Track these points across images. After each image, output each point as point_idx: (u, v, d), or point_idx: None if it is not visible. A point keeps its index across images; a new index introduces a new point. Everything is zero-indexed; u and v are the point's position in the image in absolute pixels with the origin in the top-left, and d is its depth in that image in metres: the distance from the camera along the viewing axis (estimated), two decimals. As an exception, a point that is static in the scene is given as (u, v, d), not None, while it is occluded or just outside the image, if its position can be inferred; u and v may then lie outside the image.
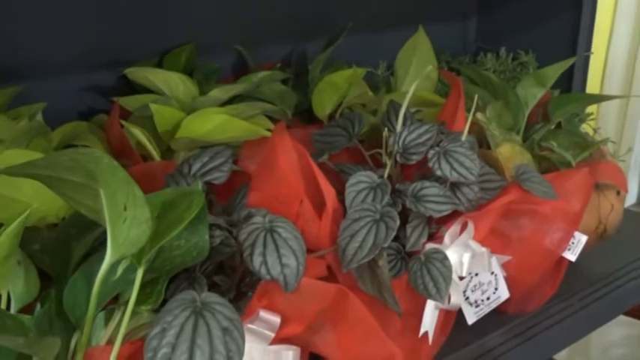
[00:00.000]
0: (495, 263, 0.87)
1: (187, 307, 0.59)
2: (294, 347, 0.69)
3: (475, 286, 0.86)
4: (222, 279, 0.72)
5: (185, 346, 0.57)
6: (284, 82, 1.15)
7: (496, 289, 0.88)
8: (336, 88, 1.04)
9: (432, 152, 0.81)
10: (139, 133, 0.87)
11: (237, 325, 0.60)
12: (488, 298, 0.88)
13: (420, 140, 0.82)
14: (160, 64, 1.08)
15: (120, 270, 0.60)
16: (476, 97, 0.84)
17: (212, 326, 0.59)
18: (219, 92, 0.98)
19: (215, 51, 1.17)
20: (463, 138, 0.81)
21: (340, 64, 1.19)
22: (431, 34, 1.19)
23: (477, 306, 0.88)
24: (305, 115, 1.12)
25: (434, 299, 0.75)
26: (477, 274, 0.86)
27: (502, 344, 0.97)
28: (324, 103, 1.03)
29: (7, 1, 0.93)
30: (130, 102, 0.98)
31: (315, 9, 1.30)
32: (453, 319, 0.89)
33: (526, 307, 1.01)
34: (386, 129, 0.85)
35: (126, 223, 0.56)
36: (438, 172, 0.79)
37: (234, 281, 0.72)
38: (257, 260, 0.66)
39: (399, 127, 0.82)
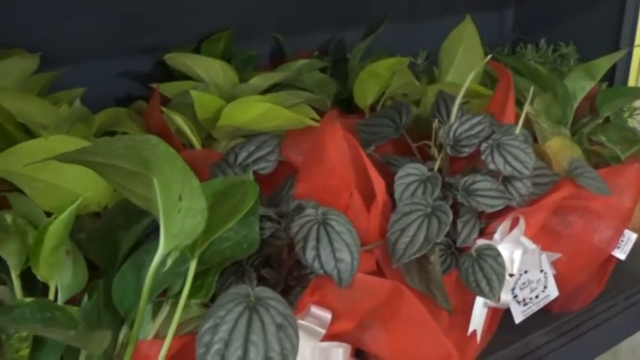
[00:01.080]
0: (545, 261, 0.84)
1: (241, 302, 0.57)
2: (345, 345, 0.67)
3: (524, 283, 0.84)
4: (269, 272, 0.69)
5: (239, 342, 0.55)
6: (322, 70, 1.12)
7: (545, 287, 0.86)
8: (378, 78, 1.01)
9: (484, 145, 0.78)
10: (179, 120, 0.84)
11: (291, 321, 0.58)
12: (536, 297, 0.86)
13: (472, 132, 0.79)
14: (197, 51, 1.06)
15: (170, 262, 0.58)
16: (531, 89, 0.80)
17: (266, 322, 0.56)
18: (259, 80, 0.96)
19: (252, 38, 1.15)
20: (517, 131, 0.78)
21: (379, 54, 1.16)
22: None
23: (525, 304, 0.85)
24: (344, 105, 1.10)
25: (486, 297, 0.73)
26: (526, 272, 0.83)
27: (547, 344, 0.94)
28: (365, 92, 1.01)
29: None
30: (168, 89, 0.96)
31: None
32: (499, 317, 0.86)
33: (572, 305, 0.98)
34: (436, 120, 0.83)
35: (180, 214, 0.54)
36: (491, 166, 0.77)
37: (281, 275, 0.70)
38: (310, 254, 0.63)
39: (453, 117, 0.79)
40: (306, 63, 1.07)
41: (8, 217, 0.57)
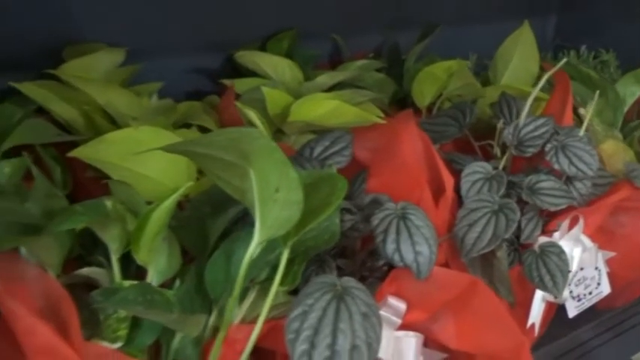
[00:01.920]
0: (600, 259, 0.82)
1: (328, 291, 0.56)
2: (418, 334, 0.65)
3: (579, 280, 0.81)
4: (345, 263, 0.68)
5: (328, 329, 0.54)
6: (377, 70, 1.10)
7: (598, 284, 0.83)
8: (435, 79, 0.99)
9: (549, 146, 0.76)
10: (253, 115, 0.83)
11: (375, 311, 0.56)
12: (590, 293, 0.83)
13: (537, 133, 0.77)
14: (262, 49, 1.04)
15: (258, 250, 0.57)
16: (596, 94, 0.78)
17: (353, 311, 0.55)
18: (325, 78, 0.94)
19: (311, 38, 1.13)
20: (581, 133, 0.76)
21: (432, 56, 1.14)
22: (509, 30, 1.15)
23: (578, 300, 0.83)
24: (399, 104, 1.08)
25: (550, 293, 0.71)
26: (582, 269, 0.81)
27: (593, 338, 0.92)
28: (424, 93, 0.99)
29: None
30: (238, 85, 0.94)
31: (406, 2, 1.25)
32: (553, 311, 0.84)
33: (615, 302, 0.96)
34: (501, 121, 0.80)
35: (277, 205, 0.53)
36: (556, 166, 0.75)
37: (356, 265, 0.69)
38: (390, 247, 0.62)
39: (522, 119, 0.77)
40: (366, 63, 1.05)
41: (108, 203, 0.56)
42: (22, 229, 0.55)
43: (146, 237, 0.54)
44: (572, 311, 0.84)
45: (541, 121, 0.77)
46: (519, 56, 0.97)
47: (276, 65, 0.95)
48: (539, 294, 0.77)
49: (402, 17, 1.25)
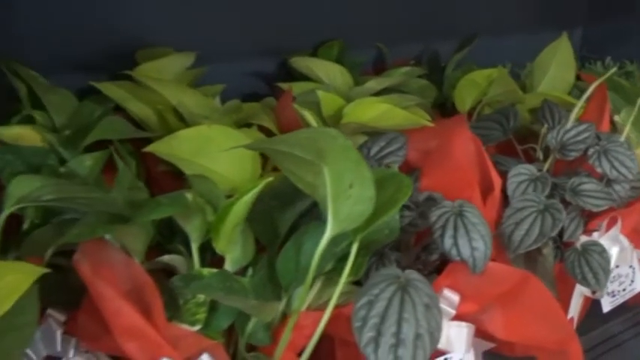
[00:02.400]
0: (635, 257, 0.80)
1: (393, 283, 0.55)
2: (470, 324, 0.64)
3: (614, 277, 0.80)
4: (399, 256, 0.67)
5: (393, 318, 0.53)
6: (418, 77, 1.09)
7: (632, 281, 0.81)
8: (476, 86, 0.98)
9: (592, 150, 0.74)
10: (309, 116, 0.82)
11: (436, 302, 0.55)
12: (624, 290, 0.81)
13: (579, 138, 0.76)
14: (314, 55, 1.04)
15: (324, 243, 0.56)
16: (638, 102, 0.76)
17: (416, 302, 0.54)
18: (373, 83, 0.93)
19: (355, 47, 1.12)
20: (622, 138, 0.74)
21: (470, 65, 1.12)
22: (537, 41, 1.13)
23: (613, 296, 0.81)
24: (439, 109, 1.06)
25: (592, 289, 0.69)
26: (617, 267, 0.79)
27: (622, 332, 0.90)
28: (465, 98, 0.98)
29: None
30: (293, 88, 0.94)
31: (443, 14, 1.24)
32: (588, 306, 0.83)
33: (644, 298, 0.94)
34: (545, 126, 0.79)
35: (350, 201, 0.52)
36: (598, 169, 0.73)
37: (410, 259, 0.68)
38: (448, 242, 0.61)
39: (569, 125, 0.75)
40: (409, 70, 1.04)
41: (189, 196, 0.55)
42: (110, 218, 0.54)
43: (226, 228, 0.54)
44: (606, 306, 0.82)
45: (583, 126, 0.76)
46: (557, 65, 0.95)
47: (328, 70, 0.95)
48: (578, 289, 0.76)
49: (440, 28, 1.24)
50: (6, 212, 0.55)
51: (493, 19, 1.32)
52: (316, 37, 1.08)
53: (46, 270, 0.49)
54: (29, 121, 0.74)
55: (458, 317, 0.64)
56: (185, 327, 0.54)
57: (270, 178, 0.54)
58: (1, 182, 0.65)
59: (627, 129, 0.75)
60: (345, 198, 0.52)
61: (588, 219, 0.77)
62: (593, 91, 0.87)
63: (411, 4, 1.18)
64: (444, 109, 1.07)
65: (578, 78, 0.99)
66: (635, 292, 0.83)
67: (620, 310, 0.91)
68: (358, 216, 0.52)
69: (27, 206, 0.59)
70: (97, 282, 0.52)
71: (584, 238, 0.74)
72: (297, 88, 0.93)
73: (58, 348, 0.58)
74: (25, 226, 0.62)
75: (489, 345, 0.68)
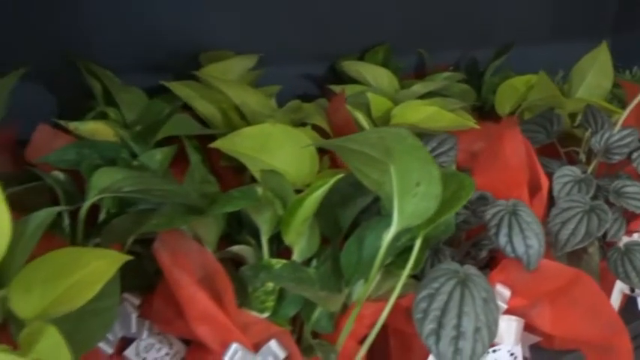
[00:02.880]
0: (672, 257, 0.77)
1: (453, 277, 0.53)
2: (519, 319, 0.62)
3: (651, 276, 0.77)
4: (453, 252, 0.65)
5: (454, 312, 0.51)
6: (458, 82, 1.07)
7: (668, 280, 0.78)
8: (515, 91, 0.96)
9: (635, 154, 0.72)
10: (361, 117, 0.81)
11: (493, 297, 0.54)
12: (659, 288, 0.78)
13: (623, 142, 0.73)
14: (360, 60, 1.02)
15: (389, 238, 0.54)
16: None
17: (475, 296, 0.52)
18: (419, 87, 0.91)
19: (398, 52, 1.10)
20: (666, 143, 0.72)
21: (507, 71, 1.09)
22: (568, 50, 1.10)
23: (649, 294, 0.78)
24: (477, 112, 1.04)
25: (636, 287, 0.66)
26: (655, 267, 0.76)
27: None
28: (504, 102, 0.95)
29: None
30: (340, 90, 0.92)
31: (481, 23, 1.21)
32: (624, 303, 0.80)
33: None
34: (589, 130, 0.76)
35: (416, 198, 0.50)
36: (643, 173, 0.70)
37: (461, 254, 0.66)
38: (503, 239, 0.59)
39: (617, 129, 0.72)
40: (450, 75, 1.01)
41: (259, 190, 0.54)
42: (186, 210, 0.53)
43: (296, 221, 0.52)
44: (642, 304, 0.79)
45: (627, 131, 0.73)
46: (595, 73, 0.92)
47: (375, 74, 0.93)
48: (618, 286, 0.73)
49: (478, 36, 1.21)
50: (89, 202, 0.54)
51: (527, 29, 1.29)
52: (363, 42, 1.06)
53: (129, 257, 0.47)
54: (103, 117, 0.73)
55: (508, 311, 0.62)
56: (254, 314, 0.53)
57: (341, 175, 0.53)
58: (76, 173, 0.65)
59: (671, 134, 0.72)
60: (412, 195, 0.50)
61: (630, 220, 0.74)
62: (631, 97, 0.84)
63: (450, 13, 1.15)
64: (481, 112, 1.04)
65: (618, 86, 0.96)
66: (670, 290, 0.80)
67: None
68: (423, 213, 0.50)
69: (105, 197, 0.58)
70: (174, 269, 0.52)
71: (625, 239, 0.71)
72: (348, 90, 0.91)
73: (133, 330, 0.57)
74: (102, 215, 0.61)
75: (536, 339, 0.66)
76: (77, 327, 0.46)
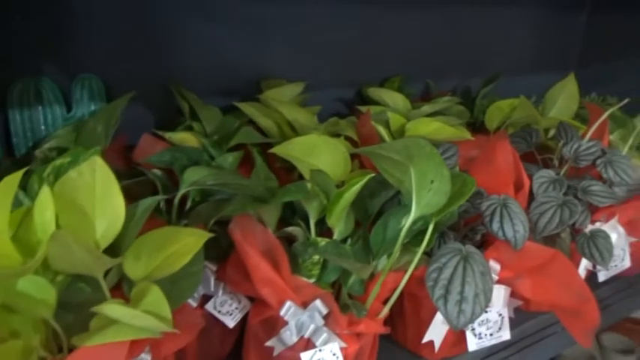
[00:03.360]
0: (626, 242, 0.74)
1: (457, 254, 0.52)
2: (506, 287, 0.60)
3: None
4: (454, 235, 0.63)
5: (458, 281, 0.50)
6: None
7: (622, 259, 0.75)
8: (501, 111, 0.92)
9: (599, 161, 0.69)
10: (382, 130, 0.79)
11: (489, 270, 0.52)
12: (616, 265, 0.75)
13: (589, 151, 0.70)
14: (381, 87, 1.00)
15: (409, 223, 0.53)
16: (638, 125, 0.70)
17: (475, 270, 0.51)
18: (427, 108, 0.89)
19: (409, 81, 1.08)
20: (624, 152, 0.68)
21: (493, 97, 1.06)
22: (541, 80, 1.07)
23: (607, 269, 0.75)
24: (470, 127, 1.01)
25: (600, 265, 0.64)
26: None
27: (611, 296, 0.83)
28: (492, 120, 0.92)
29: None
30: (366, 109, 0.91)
31: (473, 59, 1.18)
32: (587, 277, 0.77)
33: (631, 271, 0.85)
34: (562, 141, 0.73)
35: (430, 192, 0.49)
36: (604, 175, 0.68)
37: (459, 237, 0.64)
38: (495, 225, 0.57)
39: (585, 141, 0.70)
40: (450, 99, 0.99)
41: (308, 185, 0.53)
42: (253, 199, 0.53)
43: (337, 209, 0.51)
44: (601, 277, 0.76)
45: (592, 143, 0.70)
46: (564, 97, 0.89)
47: (393, 98, 0.91)
48: (583, 264, 0.71)
49: (471, 68, 1.18)
50: (182, 192, 0.54)
51: (509, 64, 1.25)
52: (382, 74, 1.04)
53: (211, 234, 0.47)
54: (189, 129, 0.73)
55: (498, 282, 0.60)
56: (303, 279, 0.52)
57: (372, 174, 0.51)
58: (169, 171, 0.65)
59: (628, 145, 0.68)
60: (427, 190, 0.49)
61: (593, 212, 0.71)
62: (589, 116, 0.81)
63: (449, 52, 1.13)
64: (473, 128, 1.01)
65: (583, 107, 0.92)
66: (625, 267, 0.76)
67: (610, 280, 0.85)
68: (435, 204, 0.49)
69: (192, 189, 0.58)
70: (244, 244, 0.51)
71: (590, 227, 0.68)
72: (372, 110, 0.90)
73: (212, 289, 0.57)
74: (189, 203, 0.61)
75: (519, 302, 0.64)
76: (173, 287, 0.45)
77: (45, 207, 0.42)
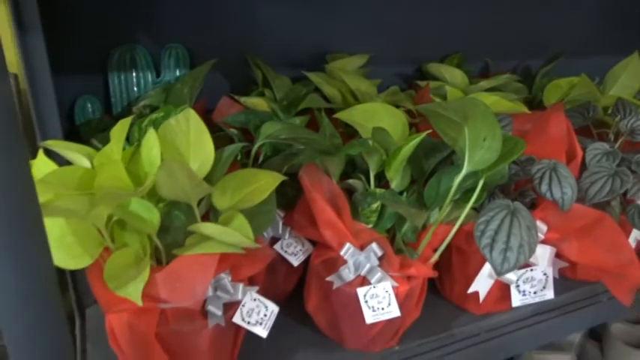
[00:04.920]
0: (681, 218, 0.74)
1: (505, 209, 0.56)
2: (552, 247, 0.63)
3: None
4: (504, 196, 0.67)
5: (504, 232, 0.54)
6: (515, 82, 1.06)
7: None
8: (560, 89, 0.94)
9: (655, 135, 0.70)
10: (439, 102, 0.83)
11: (534, 225, 0.56)
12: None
13: (646, 125, 0.71)
14: (441, 62, 1.03)
15: (460, 178, 0.57)
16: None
17: (522, 224, 0.55)
18: (484, 83, 0.92)
19: (469, 59, 1.10)
20: (682, 127, 0.69)
21: (552, 75, 1.07)
22: (605, 61, 1.05)
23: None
24: (527, 105, 1.03)
25: (649, 233, 0.65)
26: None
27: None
28: (550, 97, 0.95)
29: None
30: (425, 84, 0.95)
31: (535, 38, 1.18)
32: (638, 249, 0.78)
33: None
34: (618, 116, 0.75)
35: (482, 149, 0.53)
36: (660, 149, 0.68)
37: (510, 199, 0.67)
38: (544, 187, 0.60)
39: (641, 113, 0.71)
40: (508, 77, 1.01)
41: (370, 141, 0.59)
42: (320, 152, 0.59)
43: (396, 162, 0.57)
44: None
45: (650, 117, 0.71)
46: (626, 75, 0.89)
47: (452, 74, 0.94)
48: (633, 234, 0.72)
49: (532, 48, 1.18)
50: (259, 143, 0.61)
51: (572, 45, 1.24)
52: (442, 51, 1.07)
53: (284, 177, 0.54)
54: (261, 95, 0.80)
55: (544, 242, 0.64)
56: (362, 225, 0.58)
57: (425, 133, 0.56)
58: (244, 130, 0.72)
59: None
60: (479, 147, 0.53)
61: (645, 185, 0.72)
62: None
63: (511, 30, 1.13)
64: (531, 105, 1.03)
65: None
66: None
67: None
68: (486, 161, 0.53)
69: (265, 143, 0.66)
70: (312, 190, 0.58)
71: (642, 198, 0.69)
72: (431, 85, 0.94)
73: (280, 232, 0.64)
74: (262, 157, 0.69)
75: (564, 264, 0.67)
76: (251, 221, 0.53)
77: (152, 145, 0.51)
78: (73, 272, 0.68)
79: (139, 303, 0.43)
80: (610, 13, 1.28)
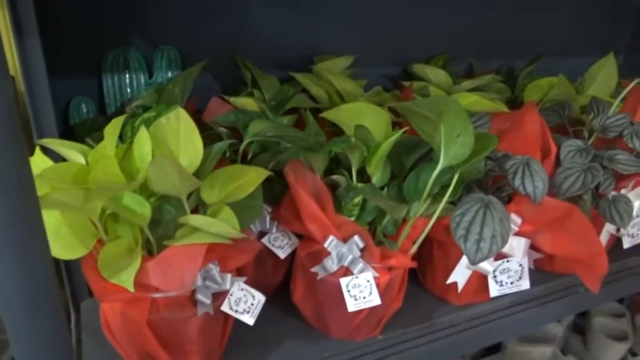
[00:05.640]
0: (652, 211, 0.78)
1: (479, 202, 0.59)
2: (526, 239, 0.66)
3: (634, 223, 0.78)
4: (481, 191, 0.70)
5: (478, 224, 0.57)
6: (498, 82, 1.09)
7: (647, 227, 0.79)
8: (540, 88, 0.97)
9: (626, 132, 0.73)
10: (423, 102, 0.86)
11: (507, 217, 0.59)
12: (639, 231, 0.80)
13: (617, 123, 0.75)
14: (426, 64, 1.07)
15: (436, 173, 0.60)
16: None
17: (495, 216, 0.58)
18: (467, 83, 0.95)
19: (454, 60, 1.13)
20: (651, 124, 0.73)
21: (534, 75, 1.10)
22: (585, 62, 1.09)
23: (632, 237, 0.80)
24: (510, 105, 1.06)
25: (619, 226, 0.69)
26: (637, 216, 0.77)
27: (638, 265, 0.87)
28: (531, 96, 0.97)
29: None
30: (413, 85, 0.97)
31: (517, 39, 1.22)
32: (612, 243, 0.81)
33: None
34: (592, 114, 0.78)
35: (456, 145, 0.56)
36: (630, 145, 0.72)
37: (487, 192, 0.71)
38: (517, 181, 0.63)
39: (611, 112, 0.74)
40: (491, 77, 1.04)
41: (352, 139, 0.62)
42: (305, 148, 0.62)
43: (376, 158, 0.60)
44: (626, 244, 0.81)
45: (621, 115, 0.75)
46: (603, 75, 0.92)
47: (436, 74, 0.97)
48: (606, 228, 0.75)
49: (516, 49, 1.22)
50: (247, 140, 0.64)
51: (556, 46, 1.27)
52: (427, 52, 1.10)
53: (269, 173, 0.57)
54: (250, 95, 0.83)
55: (518, 234, 0.67)
56: (345, 218, 0.61)
57: (402, 130, 0.60)
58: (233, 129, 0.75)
59: (655, 118, 0.73)
60: (454, 143, 0.56)
61: (619, 180, 0.76)
62: (628, 93, 0.85)
63: (495, 32, 1.17)
64: (513, 105, 1.06)
65: (620, 85, 0.95)
66: (649, 235, 0.81)
67: (635, 248, 0.88)
68: (461, 156, 0.57)
69: (253, 141, 0.68)
70: (297, 186, 0.60)
71: (614, 193, 0.73)
72: (415, 85, 0.97)
73: (267, 226, 0.67)
74: (250, 154, 0.72)
75: (539, 255, 0.70)
76: (238, 215, 0.55)
77: (144, 143, 0.54)
78: (68, 268, 0.71)
79: (131, 289, 0.46)
80: (593, 14, 1.32)
